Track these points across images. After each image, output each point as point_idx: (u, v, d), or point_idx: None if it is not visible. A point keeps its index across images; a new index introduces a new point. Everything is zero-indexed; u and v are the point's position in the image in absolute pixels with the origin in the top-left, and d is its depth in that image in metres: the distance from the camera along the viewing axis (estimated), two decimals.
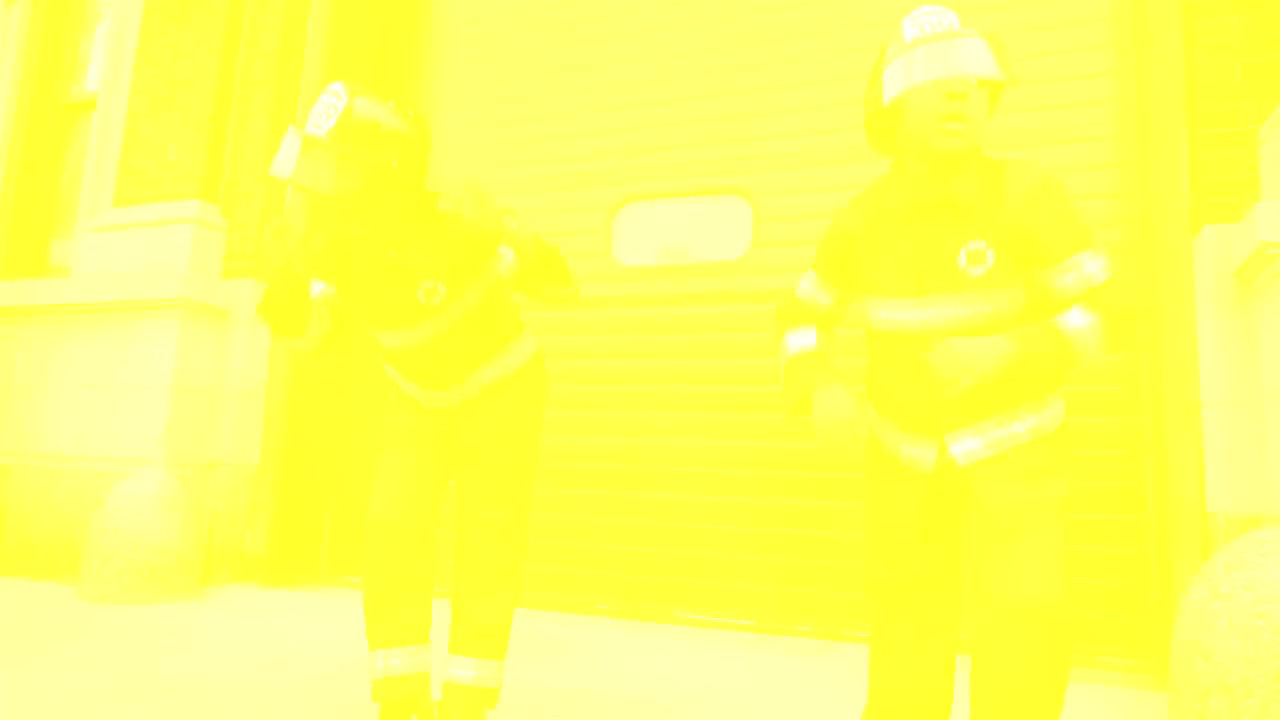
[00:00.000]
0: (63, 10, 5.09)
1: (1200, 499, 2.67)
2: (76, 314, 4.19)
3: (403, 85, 4.56)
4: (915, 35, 1.55)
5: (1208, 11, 2.82)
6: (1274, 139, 2.55)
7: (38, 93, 5.03)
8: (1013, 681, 1.43)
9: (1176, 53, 2.94)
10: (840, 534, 3.36)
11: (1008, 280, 1.52)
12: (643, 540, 3.67)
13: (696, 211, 3.94)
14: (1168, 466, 2.88)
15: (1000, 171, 1.55)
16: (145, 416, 3.91)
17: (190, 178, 4.20)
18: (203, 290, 4.01)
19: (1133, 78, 3.26)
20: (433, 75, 4.54)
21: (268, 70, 4.30)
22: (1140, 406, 3.09)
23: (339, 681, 2.50)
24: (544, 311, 4.02)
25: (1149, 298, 3.09)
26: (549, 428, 3.93)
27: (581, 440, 3.86)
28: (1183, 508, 2.74)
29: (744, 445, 3.57)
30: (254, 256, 4.19)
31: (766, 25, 3.89)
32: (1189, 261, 2.80)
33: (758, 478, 3.51)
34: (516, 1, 4.40)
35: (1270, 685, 2.02)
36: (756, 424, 3.56)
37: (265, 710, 2.21)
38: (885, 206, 1.63)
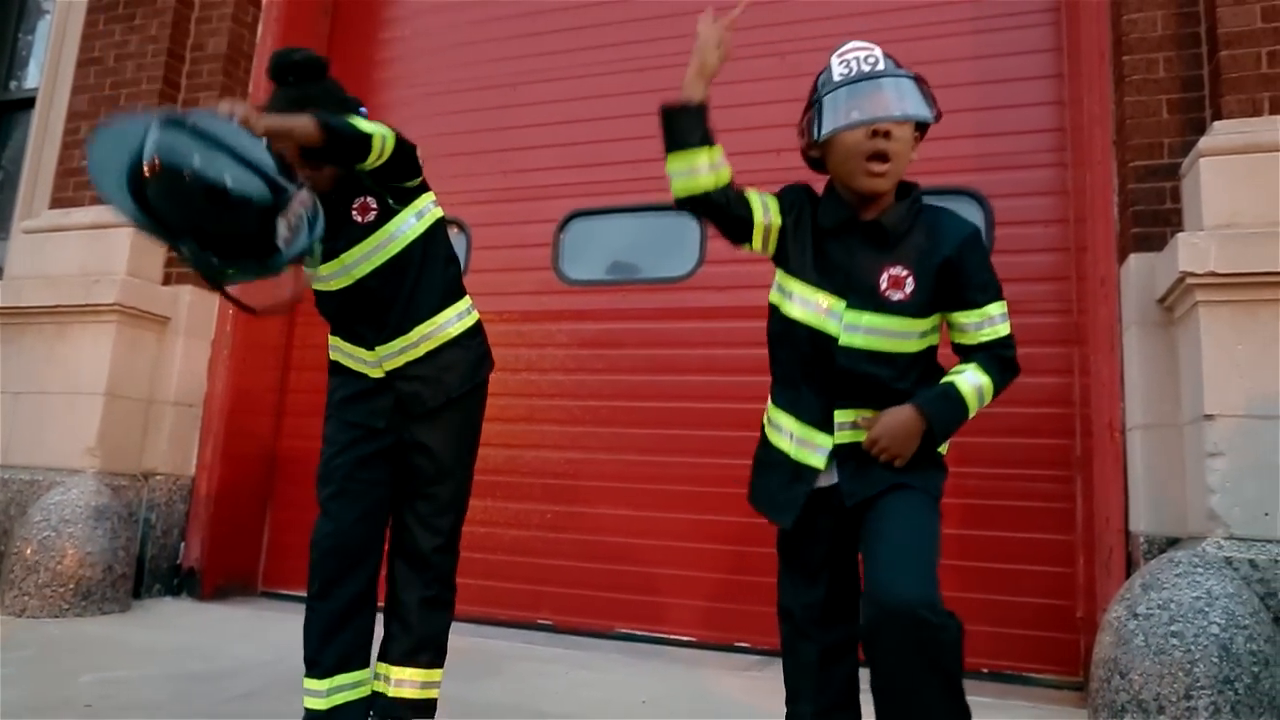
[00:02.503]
0: (1, 4, 4.97)
1: (1122, 520, 2.75)
2: (7, 318, 4.06)
3: (352, 94, 4.51)
4: (844, 74, 1.60)
5: (1137, 48, 2.92)
6: (1193, 173, 2.64)
7: None
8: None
9: (1107, 87, 3.04)
10: None
11: (919, 310, 1.59)
12: (584, 554, 3.65)
13: (645, 226, 3.96)
14: (1094, 488, 2.96)
15: (933, 214, 1.65)
16: (77, 424, 3.80)
17: None
18: (141, 296, 3.92)
19: (1071, 109, 3.35)
20: (382, 85, 4.52)
21: (215, 74, 4.24)
22: (1071, 429, 3.16)
23: (268, 697, 2.45)
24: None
25: (1080, 323, 3.17)
26: (492, 441, 3.89)
27: (524, 454, 3.84)
28: (1106, 528, 2.82)
29: (686, 462, 3.57)
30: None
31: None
32: (1116, 289, 2.90)
33: (699, 494, 3.52)
34: (467, 14, 4.40)
35: (1181, 703, 2.08)
36: (699, 441, 3.56)
37: None
38: (821, 215, 1.67)
